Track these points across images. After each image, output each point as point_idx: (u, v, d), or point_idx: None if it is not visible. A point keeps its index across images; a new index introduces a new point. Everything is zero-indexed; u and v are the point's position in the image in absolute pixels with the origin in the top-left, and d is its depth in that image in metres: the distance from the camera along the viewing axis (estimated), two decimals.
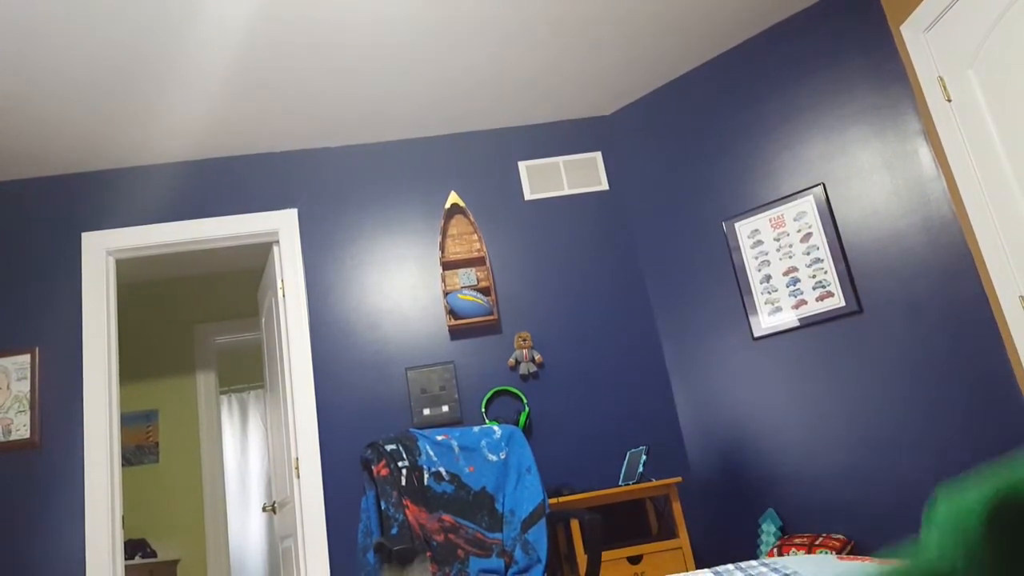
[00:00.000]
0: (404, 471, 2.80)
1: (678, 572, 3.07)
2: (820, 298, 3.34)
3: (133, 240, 3.73)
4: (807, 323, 3.37)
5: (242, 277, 5.53)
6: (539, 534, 2.76)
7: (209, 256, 5.20)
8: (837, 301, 3.29)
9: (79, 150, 3.65)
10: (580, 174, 4.09)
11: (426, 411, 3.62)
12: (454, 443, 2.99)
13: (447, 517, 2.78)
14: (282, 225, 3.86)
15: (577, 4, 3.24)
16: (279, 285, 3.81)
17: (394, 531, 2.64)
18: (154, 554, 4.73)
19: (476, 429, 3.08)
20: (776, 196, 3.53)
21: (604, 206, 4.05)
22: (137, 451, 5.11)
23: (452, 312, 3.73)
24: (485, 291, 3.80)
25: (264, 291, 4.28)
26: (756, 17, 3.56)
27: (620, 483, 3.40)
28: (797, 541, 3.08)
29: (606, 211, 4.04)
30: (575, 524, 3.14)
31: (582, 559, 3.09)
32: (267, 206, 3.88)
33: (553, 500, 3.17)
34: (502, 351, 3.76)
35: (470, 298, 3.68)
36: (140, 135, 3.62)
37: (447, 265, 3.82)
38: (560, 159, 4.10)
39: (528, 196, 4.03)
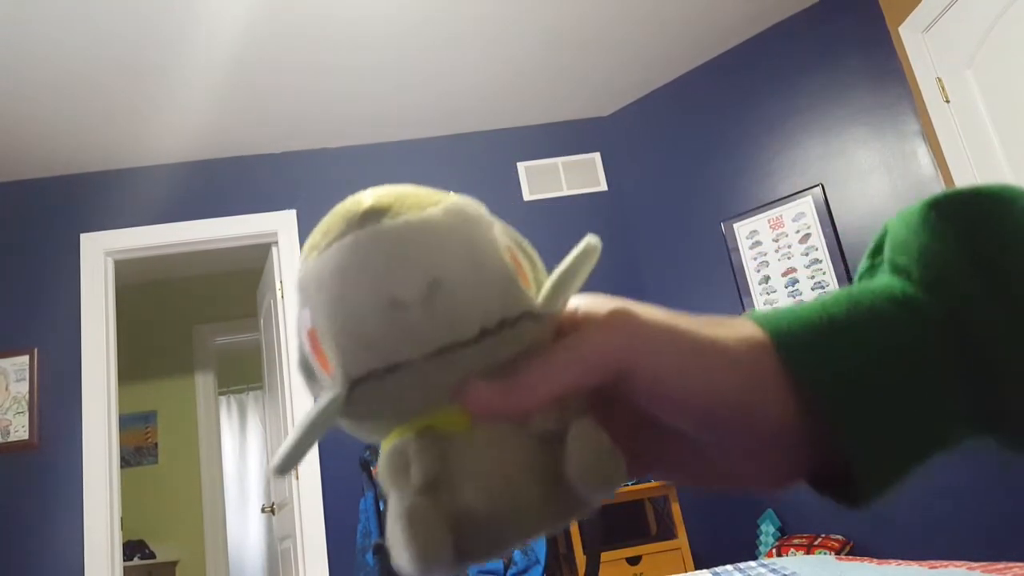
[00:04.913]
0: None
1: (677, 573, 3.07)
2: None
3: (132, 241, 3.73)
4: None
5: (241, 278, 5.52)
6: None
7: (208, 257, 5.19)
8: None
9: (78, 150, 3.65)
10: (579, 175, 4.09)
11: None
12: None
13: None
14: (281, 226, 3.85)
15: (575, 5, 3.24)
16: (278, 286, 3.81)
17: None
18: (153, 555, 4.73)
19: None
20: (775, 197, 3.53)
21: (603, 207, 4.05)
22: (136, 452, 5.10)
23: None
24: None
25: (263, 292, 4.27)
26: (754, 18, 3.56)
27: None
28: (796, 542, 3.08)
29: (605, 212, 4.04)
30: (574, 524, 3.13)
31: (581, 560, 3.09)
32: (266, 207, 3.88)
33: None
34: None
35: None
36: (139, 136, 3.62)
37: None
38: (559, 160, 4.10)
39: (527, 197, 4.03)
